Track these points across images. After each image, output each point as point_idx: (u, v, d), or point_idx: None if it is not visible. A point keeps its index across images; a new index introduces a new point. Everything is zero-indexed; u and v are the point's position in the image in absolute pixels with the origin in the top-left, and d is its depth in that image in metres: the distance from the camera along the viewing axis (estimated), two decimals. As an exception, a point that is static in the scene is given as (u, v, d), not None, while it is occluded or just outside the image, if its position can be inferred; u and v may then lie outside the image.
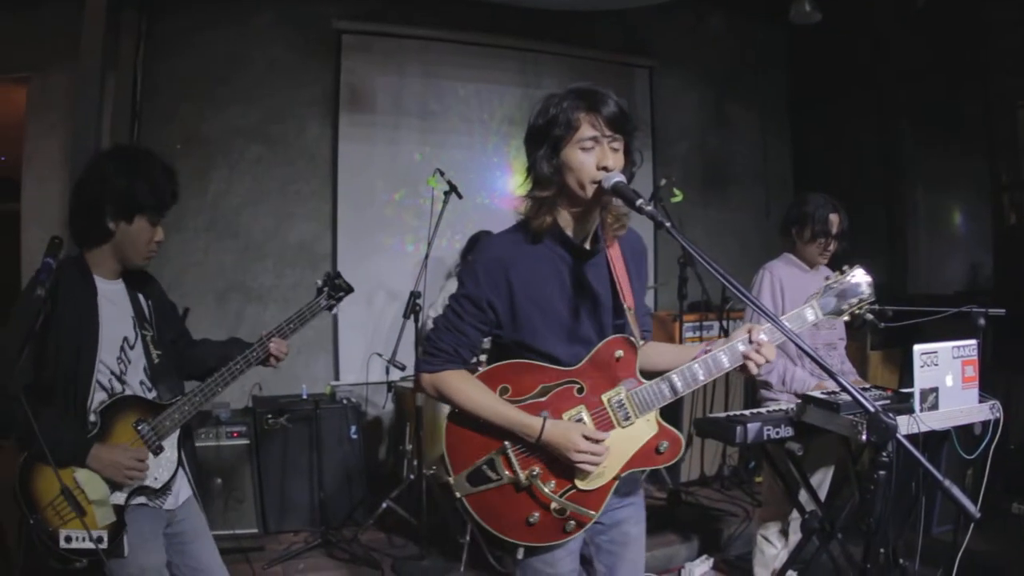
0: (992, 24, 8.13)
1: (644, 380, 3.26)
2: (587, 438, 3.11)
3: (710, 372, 3.24)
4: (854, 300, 3.47)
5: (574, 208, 3.21)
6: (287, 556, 6.47)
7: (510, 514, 3.23)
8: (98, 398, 3.55)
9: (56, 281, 3.32)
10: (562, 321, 3.24)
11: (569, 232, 3.26)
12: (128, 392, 3.65)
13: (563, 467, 3.17)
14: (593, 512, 3.23)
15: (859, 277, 3.49)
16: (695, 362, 3.24)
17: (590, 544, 3.47)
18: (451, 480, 3.26)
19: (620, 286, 3.31)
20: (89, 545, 3.37)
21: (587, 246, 3.31)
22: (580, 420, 3.21)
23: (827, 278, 3.52)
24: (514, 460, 3.20)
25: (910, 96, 9.26)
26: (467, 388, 3.23)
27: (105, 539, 3.44)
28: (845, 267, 3.53)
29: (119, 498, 3.54)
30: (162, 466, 3.69)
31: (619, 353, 3.24)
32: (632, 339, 3.26)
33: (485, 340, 3.38)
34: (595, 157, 3.07)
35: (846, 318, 3.50)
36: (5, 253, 7.86)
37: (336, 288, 4.24)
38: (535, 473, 3.19)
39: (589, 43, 9.69)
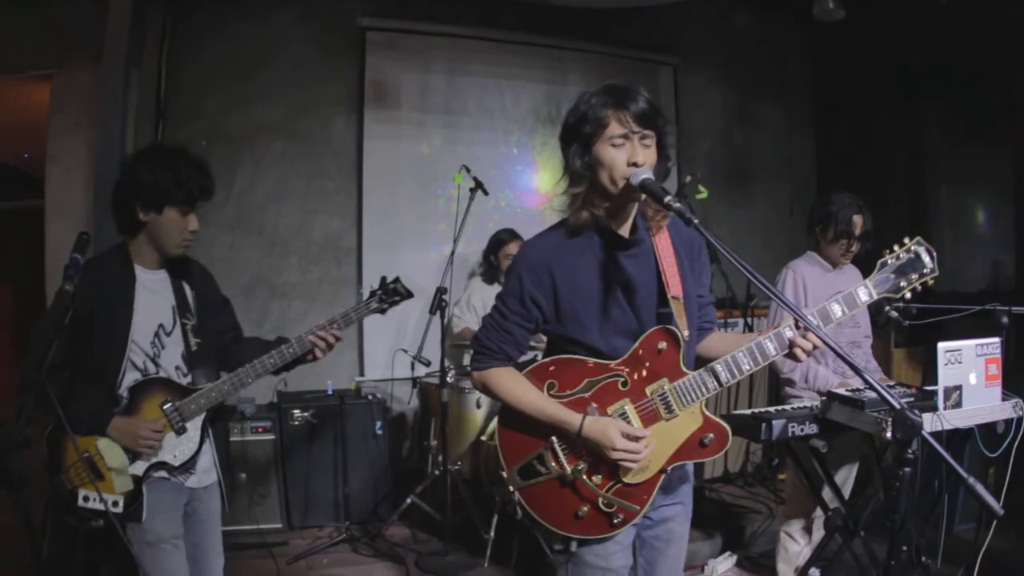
0: (1017, 20, 8.09)
1: (689, 371, 3.26)
2: (625, 435, 3.13)
3: (756, 361, 3.24)
4: (914, 276, 3.42)
5: (607, 203, 3.21)
6: (311, 551, 6.52)
7: (560, 507, 3.28)
8: (131, 377, 3.79)
9: (97, 268, 3.74)
10: (604, 312, 3.27)
11: (610, 224, 3.28)
12: (161, 374, 3.86)
13: (608, 462, 3.20)
14: (638, 507, 3.26)
15: (919, 249, 3.45)
16: (739, 351, 3.24)
17: (636, 538, 3.49)
18: (504, 475, 3.34)
19: (665, 275, 3.30)
20: (102, 507, 3.64)
21: (625, 235, 3.31)
22: (624, 414, 3.24)
23: (888, 252, 3.46)
24: (561, 455, 3.26)
25: (935, 93, 9.21)
26: (513, 386, 3.33)
27: (121, 504, 3.71)
28: (905, 240, 3.48)
29: (138, 468, 3.77)
30: (182, 445, 3.88)
31: (662, 345, 3.25)
32: (675, 330, 3.24)
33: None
34: (625, 153, 3.09)
35: (907, 295, 3.45)
36: (29, 249, 7.91)
37: (391, 292, 4.32)
38: (581, 468, 3.23)
39: (614, 40, 9.68)
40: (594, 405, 3.23)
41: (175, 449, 3.85)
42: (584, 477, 3.22)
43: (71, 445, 3.64)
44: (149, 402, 3.80)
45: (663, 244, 3.36)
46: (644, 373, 3.26)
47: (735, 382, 3.30)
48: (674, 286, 3.30)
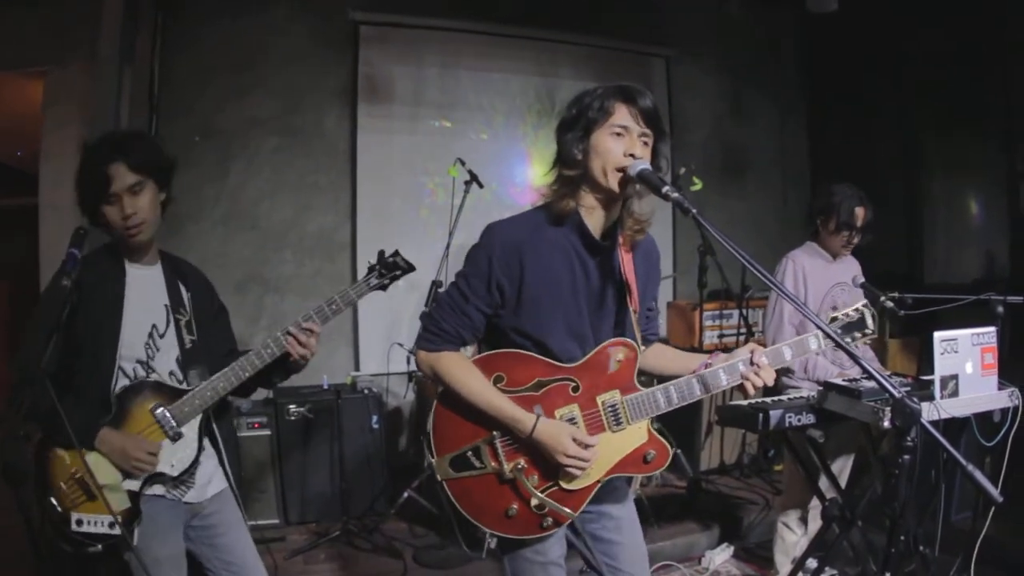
0: (1010, 11, 8.10)
1: (640, 387, 3.27)
2: (577, 442, 3.13)
3: (707, 388, 3.24)
4: (857, 334, 3.43)
5: (596, 195, 3.21)
6: (308, 547, 6.50)
7: (489, 504, 3.25)
8: (122, 384, 3.55)
9: (86, 267, 3.33)
10: (566, 312, 3.24)
11: (588, 223, 3.24)
12: (152, 378, 3.62)
13: (548, 464, 3.19)
14: (571, 511, 3.24)
15: (865, 312, 3.47)
16: (694, 376, 3.24)
17: (583, 535, 3.48)
18: (433, 461, 3.28)
19: (629, 287, 3.32)
20: (100, 530, 3.38)
21: (601, 240, 3.28)
22: (572, 419, 3.23)
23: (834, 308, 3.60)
24: (500, 451, 3.23)
25: (927, 84, 9.22)
26: (463, 374, 3.24)
27: (117, 524, 3.36)
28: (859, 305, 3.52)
29: (133, 484, 3.51)
30: (180, 452, 3.63)
31: (619, 357, 3.26)
32: (634, 344, 3.28)
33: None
34: (623, 144, 3.09)
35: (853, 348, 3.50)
36: (24, 247, 7.90)
37: (391, 267, 3.97)
38: (520, 467, 3.22)
39: (606, 32, 9.65)
40: (540, 406, 3.21)
41: (172, 458, 3.60)
42: (522, 476, 3.20)
43: (57, 463, 3.39)
44: (139, 408, 3.55)
45: (627, 256, 3.36)
46: (597, 382, 3.25)
47: (681, 405, 3.28)
48: (635, 298, 3.34)
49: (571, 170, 3.19)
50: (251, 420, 6.98)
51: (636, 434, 3.26)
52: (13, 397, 2.99)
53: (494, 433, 3.21)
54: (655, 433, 3.29)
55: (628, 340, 3.27)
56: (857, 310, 3.46)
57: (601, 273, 3.28)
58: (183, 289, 3.86)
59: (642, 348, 3.34)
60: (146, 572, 3.38)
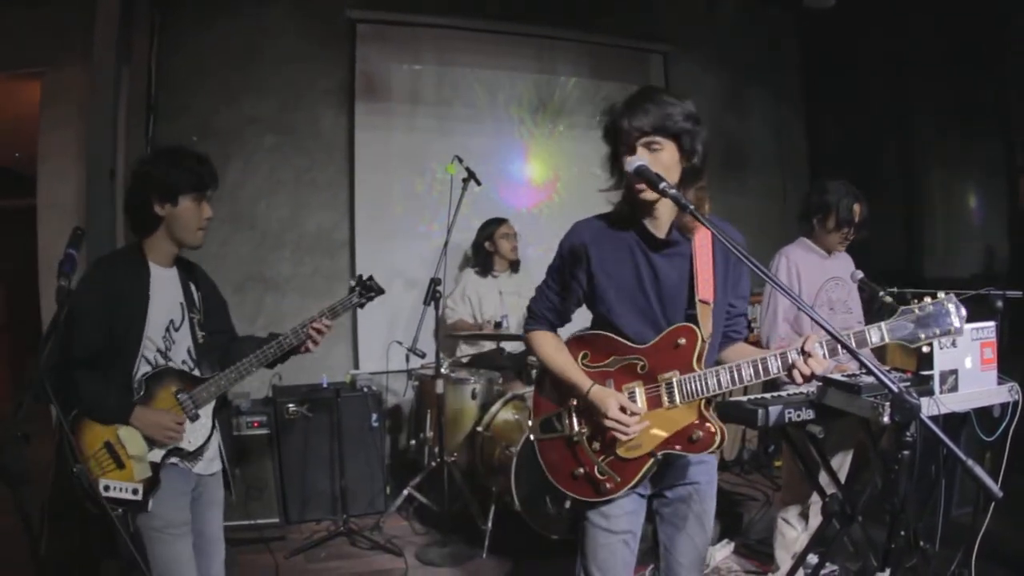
0: (1007, 6, 8.09)
1: (698, 369, 3.43)
2: (622, 408, 3.39)
3: (757, 373, 3.36)
4: (937, 331, 3.25)
5: (635, 204, 3.46)
6: (309, 545, 6.54)
7: (562, 464, 3.64)
8: (142, 370, 3.95)
9: (118, 267, 4.00)
10: (634, 301, 3.52)
11: (647, 224, 3.52)
12: (172, 365, 4.05)
13: (606, 432, 3.46)
14: (623, 480, 3.50)
15: (950, 308, 3.23)
16: (744, 361, 3.38)
17: (656, 513, 3.77)
18: (532, 423, 3.83)
19: (697, 279, 3.48)
20: (126, 495, 3.80)
21: (662, 236, 3.51)
22: (633, 394, 3.50)
23: (911, 301, 3.30)
24: (573, 418, 3.61)
25: (926, 78, 9.21)
26: (548, 348, 3.71)
27: (140, 491, 3.83)
28: (939, 293, 3.26)
29: (156, 456, 3.92)
30: (197, 432, 4.08)
31: (681, 341, 3.46)
32: (696, 329, 3.43)
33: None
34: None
35: (925, 348, 3.45)
36: (23, 249, 7.89)
37: (367, 288, 4.48)
38: (584, 433, 3.57)
39: (603, 29, 9.65)
40: (612, 380, 3.51)
41: (190, 436, 4.04)
42: (584, 441, 3.55)
43: (89, 435, 3.80)
44: (164, 392, 3.98)
45: (703, 250, 3.53)
46: (660, 362, 3.47)
47: (734, 388, 3.42)
48: (704, 291, 3.49)
49: (619, 188, 3.55)
50: (251, 419, 6.97)
51: (689, 413, 3.45)
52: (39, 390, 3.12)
53: (572, 401, 3.61)
54: (708, 415, 3.44)
55: (691, 326, 3.46)
56: (938, 301, 3.23)
57: (666, 265, 3.52)
58: (194, 289, 4.29)
59: (705, 337, 3.45)
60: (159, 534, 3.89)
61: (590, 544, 3.64)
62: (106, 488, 3.75)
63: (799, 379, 3.28)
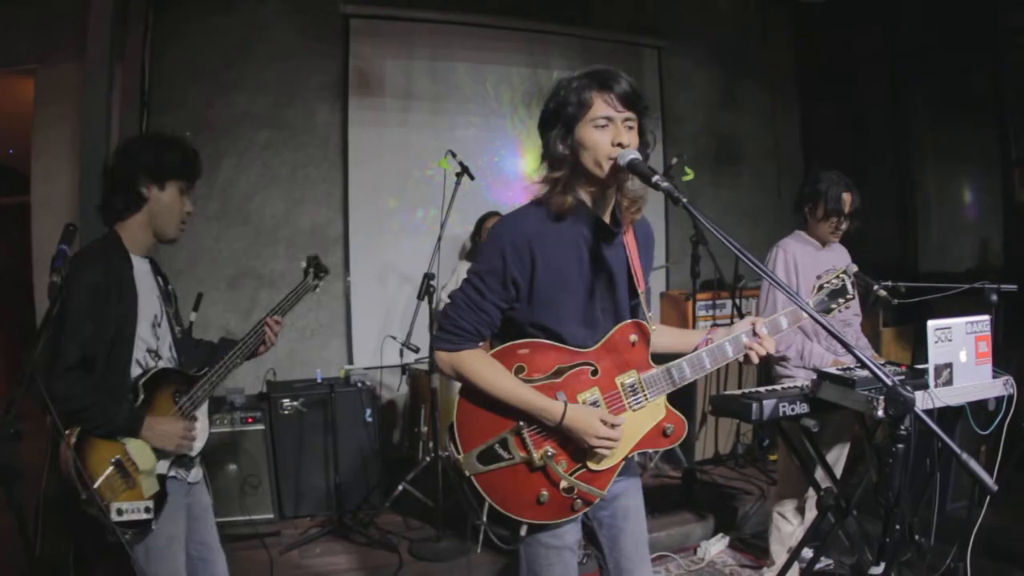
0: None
1: (654, 365, 3.36)
2: (605, 423, 3.18)
3: (716, 360, 3.38)
4: (840, 300, 3.74)
5: (591, 187, 3.23)
6: (303, 541, 6.52)
7: (520, 493, 3.26)
8: (135, 372, 3.68)
9: (103, 260, 3.64)
10: (578, 301, 3.25)
11: (592, 211, 3.28)
12: (163, 365, 3.82)
13: (576, 448, 3.25)
14: (600, 491, 3.32)
15: (846, 279, 3.78)
16: (703, 350, 3.37)
17: (592, 520, 3.55)
18: (460, 458, 3.26)
19: (634, 269, 3.38)
20: (138, 516, 3.51)
21: (612, 226, 3.31)
22: (595, 402, 3.27)
23: (819, 277, 3.80)
24: (528, 441, 3.23)
25: (920, 72, 9.23)
26: (486, 370, 3.22)
27: (152, 508, 3.57)
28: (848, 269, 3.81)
29: (163, 467, 3.72)
30: (199, 435, 3.89)
31: (634, 338, 3.36)
32: (646, 324, 3.37)
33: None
34: (609, 135, 3.10)
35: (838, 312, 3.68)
36: (16, 246, 7.89)
37: (320, 268, 4.62)
38: (549, 453, 3.24)
39: (597, 23, 9.69)
40: (562, 392, 3.23)
41: (195, 440, 3.89)
42: (552, 462, 3.23)
43: (96, 456, 3.49)
44: (162, 395, 3.77)
45: (629, 238, 3.42)
46: (614, 364, 3.32)
47: (697, 377, 3.42)
48: (641, 280, 3.41)
49: (558, 171, 3.20)
50: (245, 415, 6.94)
51: (655, 410, 3.38)
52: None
53: (520, 423, 3.22)
54: (671, 408, 3.41)
55: (641, 321, 3.37)
56: (839, 277, 3.69)
57: (610, 259, 3.32)
58: (163, 282, 4.05)
59: (653, 329, 3.42)
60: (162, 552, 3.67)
61: (540, 564, 3.39)
62: (119, 512, 3.45)
63: (755, 360, 3.37)
